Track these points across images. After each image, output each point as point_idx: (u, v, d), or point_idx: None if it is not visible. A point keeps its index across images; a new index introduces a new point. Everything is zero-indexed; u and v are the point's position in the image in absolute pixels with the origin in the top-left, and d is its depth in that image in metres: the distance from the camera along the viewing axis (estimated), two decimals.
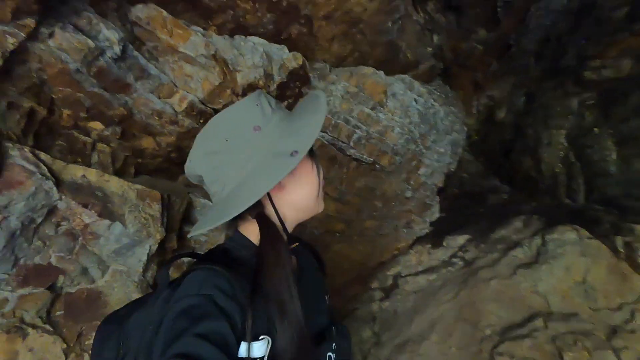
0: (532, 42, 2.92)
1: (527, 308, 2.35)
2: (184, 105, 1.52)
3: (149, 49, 1.39)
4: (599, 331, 1.98)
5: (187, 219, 1.98)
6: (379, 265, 3.30)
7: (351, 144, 2.16)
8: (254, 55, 1.67)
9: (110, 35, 1.16)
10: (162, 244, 1.58)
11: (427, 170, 2.83)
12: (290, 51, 1.79)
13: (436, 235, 3.37)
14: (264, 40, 1.83)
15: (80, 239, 1.28)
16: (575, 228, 2.36)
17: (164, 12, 1.39)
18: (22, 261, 1.12)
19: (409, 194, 2.84)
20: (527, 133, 3.69)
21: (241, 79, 1.67)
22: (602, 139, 2.65)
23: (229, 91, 1.64)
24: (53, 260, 1.21)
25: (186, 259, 1.48)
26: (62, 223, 1.20)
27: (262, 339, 0.60)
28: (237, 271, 0.63)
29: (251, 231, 0.72)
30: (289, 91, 1.99)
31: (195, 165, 0.69)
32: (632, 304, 1.96)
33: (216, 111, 1.70)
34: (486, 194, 4.08)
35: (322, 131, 2.10)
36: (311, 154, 0.72)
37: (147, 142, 1.59)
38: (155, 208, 1.48)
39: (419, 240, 3.37)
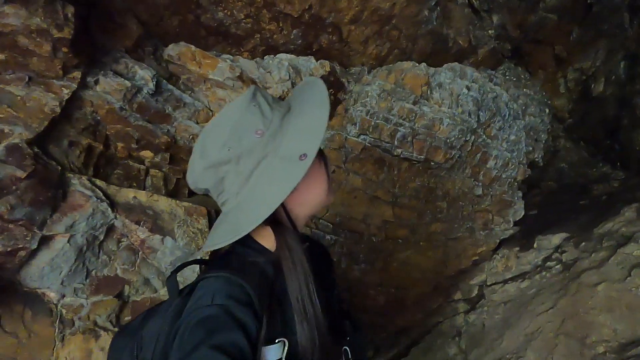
0: (610, 3, 2.42)
1: None
2: None
3: (184, 81, 1.58)
4: None
5: None
6: (458, 274, 2.99)
7: (396, 143, 2.06)
8: (280, 70, 1.75)
9: (144, 74, 1.36)
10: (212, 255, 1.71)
11: (498, 163, 2.50)
12: (324, 60, 1.83)
13: (525, 236, 2.92)
14: (292, 55, 1.90)
15: (140, 253, 1.47)
16: None
17: (192, 47, 1.56)
18: (93, 273, 1.34)
19: (479, 191, 2.54)
20: (637, 103, 3.02)
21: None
22: None
23: None
24: (119, 272, 1.41)
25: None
26: (122, 239, 1.39)
27: (278, 341, 0.59)
28: (251, 277, 0.63)
29: (263, 236, 0.71)
30: None
31: (198, 180, 0.66)
32: None
33: None
34: (591, 184, 3.42)
35: (362, 134, 2.05)
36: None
37: None
38: (203, 223, 1.62)
39: (504, 242, 2.97)
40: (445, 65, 2.32)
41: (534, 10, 2.94)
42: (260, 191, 0.63)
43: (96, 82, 1.27)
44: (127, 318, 1.46)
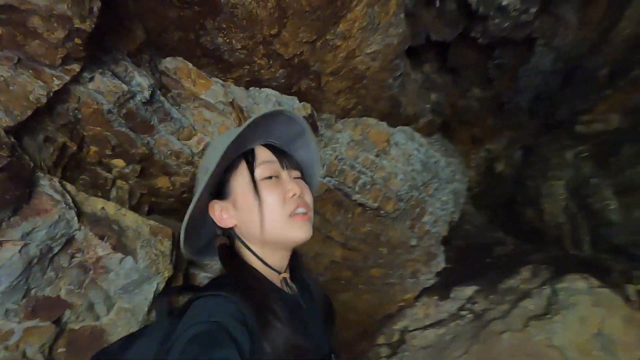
0: (525, 100, 3.12)
1: None
2: (201, 147, 1.62)
3: (173, 95, 1.53)
4: None
5: (195, 261, 1.99)
6: (385, 318, 3.17)
7: (357, 188, 2.23)
8: (267, 104, 1.80)
9: (141, 81, 1.29)
10: (168, 282, 1.57)
11: (431, 218, 2.85)
12: (306, 102, 1.95)
13: (443, 287, 3.28)
14: (277, 92, 1.98)
15: (91, 272, 1.29)
16: (585, 277, 2.32)
17: (190, 64, 1.55)
18: (33, 292, 1.13)
19: (414, 241, 2.83)
20: (527, 185, 3.77)
21: None
22: (602, 189, 2.71)
23: None
24: (62, 293, 1.21)
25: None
26: (76, 255, 1.22)
27: None
28: (247, 298, 0.64)
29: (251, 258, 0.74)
30: None
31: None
32: None
33: None
34: (492, 245, 4.05)
35: (328, 176, 2.18)
36: (252, 177, 0.71)
37: (162, 182, 1.66)
38: (166, 245, 1.51)
39: (426, 291, 3.28)
40: (398, 127, 2.64)
41: (463, 97, 3.58)
42: None
43: (91, 79, 1.16)
44: (61, 350, 1.23)
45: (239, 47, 1.78)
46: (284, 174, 0.73)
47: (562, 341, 2.22)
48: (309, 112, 1.98)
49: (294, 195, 0.70)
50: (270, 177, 0.72)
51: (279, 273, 0.75)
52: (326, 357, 0.76)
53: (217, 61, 1.81)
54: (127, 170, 1.44)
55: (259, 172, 0.71)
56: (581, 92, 2.66)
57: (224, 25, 1.65)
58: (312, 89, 2.27)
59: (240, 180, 0.72)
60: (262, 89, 1.89)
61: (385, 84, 2.55)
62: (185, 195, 1.83)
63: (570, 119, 2.90)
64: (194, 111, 1.59)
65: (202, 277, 2.02)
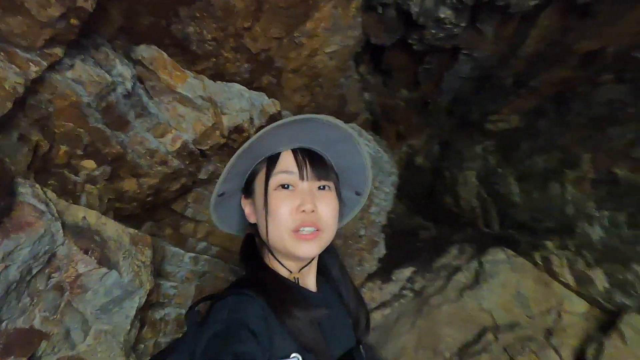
0: (445, 101, 3.58)
1: (477, 325, 2.64)
2: (177, 145, 1.49)
3: (147, 87, 1.37)
4: (539, 335, 2.33)
5: (159, 269, 1.82)
6: None
7: None
8: (240, 99, 1.74)
9: (123, 71, 1.13)
10: (148, 295, 1.42)
11: (376, 209, 3.08)
12: (275, 99, 1.92)
13: (384, 271, 3.59)
14: (243, 87, 1.92)
15: (67, 293, 1.10)
16: (503, 249, 2.81)
17: (165, 54, 1.41)
18: (4, 325, 0.92)
19: (362, 231, 3.03)
20: (445, 175, 4.33)
21: (228, 122, 1.72)
22: (506, 177, 3.30)
23: (218, 132, 1.67)
24: (36, 323, 1.02)
25: None
26: (53, 274, 1.03)
27: (293, 357, 0.61)
28: (267, 295, 0.66)
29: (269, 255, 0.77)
30: None
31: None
32: (557, 306, 2.38)
33: (202, 152, 1.69)
34: (417, 230, 4.54)
35: None
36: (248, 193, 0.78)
37: (129, 185, 1.48)
38: (147, 254, 1.37)
39: (370, 276, 3.54)
40: (349, 124, 2.79)
41: (392, 97, 3.92)
42: None
43: (72, 66, 0.98)
44: None
45: (209, 38, 1.68)
46: (303, 185, 0.72)
47: (489, 304, 2.65)
48: (278, 109, 1.97)
49: (303, 210, 0.69)
50: (285, 186, 0.71)
51: (290, 272, 0.76)
52: (349, 351, 0.78)
53: (183, 51, 1.67)
54: (96, 173, 1.25)
55: (274, 181, 0.71)
56: (490, 96, 3.18)
57: (198, 14, 1.53)
58: (272, 86, 2.25)
59: (259, 183, 0.74)
60: (231, 84, 1.81)
61: (338, 83, 2.66)
62: (150, 199, 1.66)
63: (481, 119, 3.45)
64: (168, 106, 1.45)
65: (168, 287, 1.86)
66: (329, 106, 2.81)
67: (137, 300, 1.30)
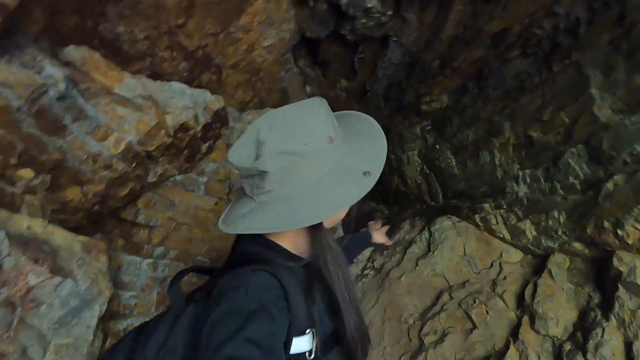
0: (381, 88, 3.79)
1: (433, 289, 2.86)
2: (121, 147, 1.46)
3: (81, 90, 1.32)
4: (485, 287, 2.60)
5: (114, 280, 1.75)
6: None
7: None
8: (183, 97, 1.73)
9: (54, 72, 1.08)
10: (109, 303, 1.37)
11: None
12: (218, 95, 1.92)
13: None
14: (184, 85, 1.91)
15: (19, 309, 1.05)
16: (448, 217, 3.08)
17: (97, 54, 1.36)
18: None
19: None
20: (390, 158, 4.59)
21: (172, 121, 1.70)
22: (443, 152, 3.59)
23: (163, 132, 1.65)
24: None
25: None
26: (1, 289, 0.98)
27: (308, 332, 0.61)
28: (283, 273, 0.64)
29: (287, 238, 0.74)
30: (211, 132, 2.07)
31: (265, 161, 0.64)
32: (497, 259, 2.67)
33: (148, 153, 1.66)
34: (371, 213, 4.75)
35: None
36: None
37: (73, 193, 1.42)
38: (102, 260, 1.32)
39: None
40: None
41: (333, 88, 4.05)
42: (326, 193, 0.66)
43: None
44: None
45: (142, 37, 1.64)
46: None
47: (441, 269, 2.89)
48: (222, 104, 1.98)
49: None
50: None
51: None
52: None
53: (116, 52, 1.62)
54: (35, 182, 1.19)
55: None
56: (421, 79, 3.44)
57: (127, 13, 1.50)
58: (213, 83, 2.24)
59: None
60: (170, 82, 1.79)
61: (278, 76, 2.71)
62: (97, 208, 1.60)
63: (416, 101, 3.70)
64: (106, 107, 1.41)
65: (127, 297, 1.81)
66: (272, 100, 2.86)
67: (98, 308, 1.26)
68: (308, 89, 4.04)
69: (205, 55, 2.00)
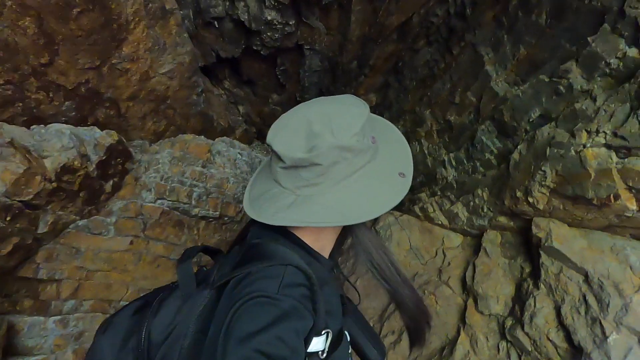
0: (312, 96, 3.80)
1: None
2: None
3: None
4: (433, 276, 2.57)
5: (14, 348, 1.60)
6: None
7: (193, 202, 2.24)
8: (61, 138, 1.63)
9: None
10: None
11: None
12: (110, 130, 1.82)
13: None
14: (69, 125, 1.80)
15: None
16: (391, 212, 3.06)
17: None
18: None
19: None
20: None
21: (51, 164, 1.60)
22: None
23: (38, 177, 1.54)
24: None
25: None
26: None
27: (324, 333, 0.60)
28: (310, 272, 0.62)
29: (309, 232, 0.71)
30: (112, 169, 1.97)
31: (321, 154, 0.62)
32: (440, 247, 2.66)
33: (26, 203, 1.54)
34: None
35: (160, 198, 2.12)
36: None
37: None
38: None
39: None
40: (217, 139, 2.79)
41: (265, 104, 4.03)
42: (375, 191, 0.66)
43: None
44: None
45: (1, 82, 1.55)
46: None
47: None
48: (116, 138, 1.88)
49: None
50: None
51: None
52: None
53: None
54: None
55: None
56: (346, 82, 3.47)
57: None
58: (113, 118, 2.15)
59: None
60: (49, 125, 1.69)
61: (190, 101, 2.65)
62: None
63: None
64: None
65: None
66: (192, 126, 2.78)
67: None
68: (241, 108, 4.00)
69: (90, 91, 1.92)
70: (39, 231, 1.68)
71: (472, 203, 2.35)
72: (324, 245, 0.73)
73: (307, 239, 0.71)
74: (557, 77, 1.73)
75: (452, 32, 2.46)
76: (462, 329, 2.17)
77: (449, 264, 2.52)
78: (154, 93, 2.28)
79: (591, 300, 1.61)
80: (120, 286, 2.04)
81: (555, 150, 1.66)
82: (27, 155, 1.49)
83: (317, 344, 0.59)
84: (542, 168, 1.72)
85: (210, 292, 0.63)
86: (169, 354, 0.60)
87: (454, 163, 2.57)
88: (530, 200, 1.81)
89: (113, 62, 1.90)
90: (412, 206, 2.95)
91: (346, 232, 0.75)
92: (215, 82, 3.47)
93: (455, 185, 2.55)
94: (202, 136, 2.56)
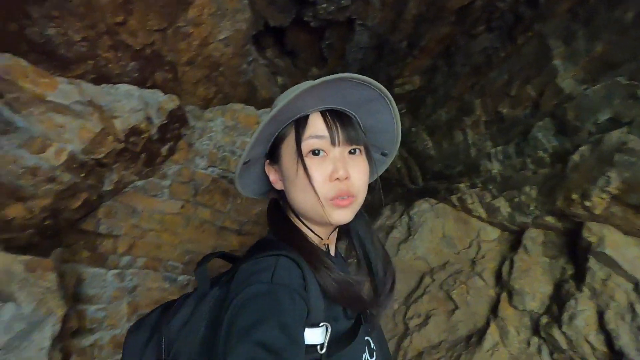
0: (353, 72, 3.72)
1: (416, 273, 2.86)
2: (63, 158, 1.38)
3: (8, 101, 1.24)
4: (465, 267, 2.60)
5: (78, 295, 1.70)
6: None
7: None
8: (130, 100, 1.65)
9: None
10: (64, 322, 1.32)
11: None
12: (172, 94, 1.84)
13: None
14: (134, 86, 1.82)
15: None
16: (426, 200, 3.06)
17: (23, 61, 1.27)
18: None
19: None
20: None
21: (121, 125, 1.63)
22: (419, 134, 3.56)
23: (110, 137, 1.57)
24: None
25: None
26: None
27: (321, 325, 0.60)
28: (307, 257, 0.63)
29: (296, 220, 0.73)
30: (169, 133, 2.00)
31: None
32: (475, 238, 2.67)
33: (97, 161, 1.59)
34: None
35: (211, 166, 2.15)
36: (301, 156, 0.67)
37: (15, 211, 1.35)
38: (50, 278, 1.27)
39: None
40: (261, 110, 2.78)
41: (304, 77, 3.97)
42: None
43: None
44: None
45: (79, 38, 1.55)
46: (334, 150, 0.68)
47: (422, 252, 2.89)
48: (177, 103, 1.90)
49: (337, 178, 0.65)
50: (316, 153, 0.67)
51: (321, 239, 0.74)
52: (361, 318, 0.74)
53: (50, 57, 1.52)
54: None
55: (305, 146, 0.66)
56: (392, 61, 3.38)
57: (56, 14, 1.40)
58: (169, 81, 2.15)
59: (288, 149, 0.69)
60: (118, 85, 1.71)
61: (241, 69, 2.63)
62: (48, 223, 1.53)
63: (389, 84, 3.64)
64: (41, 117, 1.33)
65: (93, 310, 1.76)
66: (238, 95, 2.77)
67: (50, 329, 1.21)
68: (280, 79, 3.95)
69: (154, 53, 1.91)
70: (104, 188, 1.74)
71: (517, 199, 2.33)
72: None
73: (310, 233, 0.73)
74: (638, 80, 1.66)
75: (518, 20, 2.35)
76: (492, 320, 2.21)
77: (484, 256, 2.54)
78: (209, 59, 2.27)
79: (639, 309, 1.62)
80: (170, 247, 2.12)
81: (626, 157, 1.62)
82: (102, 115, 1.52)
83: (313, 336, 0.58)
84: (607, 173, 1.68)
85: (217, 290, 0.65)
86: (183, 349, 0.62)
87: (500, 157, 2.53)
88: (587, 204, 1.79)
89: (178, 25, 1.88)
90: (449, 195, 2.94)
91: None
92: (259, 50, 3.41)
93: (498, 179, 2.52)
94: (252, 107, 2.56)
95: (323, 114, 0.68)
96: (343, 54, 3.43)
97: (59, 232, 1.70)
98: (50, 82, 1.34)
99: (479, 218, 2.69)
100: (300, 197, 0.68)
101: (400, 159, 3.96)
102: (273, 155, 0.73)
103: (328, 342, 0.59)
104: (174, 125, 1.99)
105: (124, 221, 1.91)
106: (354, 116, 0.72)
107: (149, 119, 1.76)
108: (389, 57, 3.32)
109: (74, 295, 1.68)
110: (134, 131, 1.66)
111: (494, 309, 2.25)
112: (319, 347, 0.58)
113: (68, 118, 1.41)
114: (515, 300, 2.15)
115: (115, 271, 1.84)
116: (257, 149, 0.72)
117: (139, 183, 1.93)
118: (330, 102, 0.68)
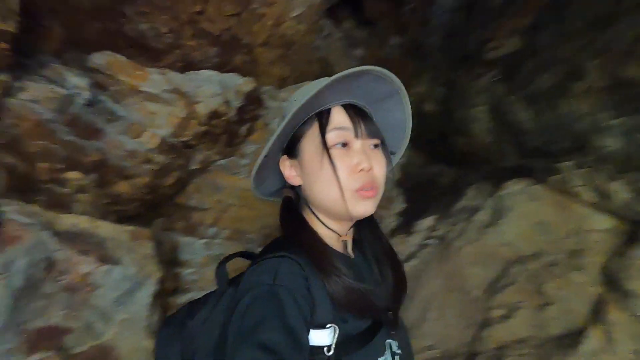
0: (438, 39, 3.39)
1: (502, 259, 2.61)
2: (156, 142, 1.56)
3: (111, 92, 1.43)
4: (563, 259, 2.27)
5: (175, 260, 1.95)
6: None
7: None
8: (211, 85, 1.76)
9: (78, 81, 1.19)
10: (161, 283, 1.54)
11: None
12: (249, 77, 1.93)
13: (407, 224, 3.60)
14: (215, 71, 1.94)
15: (80, 292, 1.23)
16: (518, 180, 2.72)
17: (120, 57, 1.45)
18: (26, 325, 1.06)
19: None
20: (454, 117, 4.17)
21: (203, 109, 1.75)
22: (515, 103, 3.12)
23: (194, 121, 1.71)
24: (57, 320, 1.15)
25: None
26: (61, 278, 1.15)
27: (329, 327, 0.59)
28: (309, 261, 0.63)
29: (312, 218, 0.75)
30: (247, 114, 2.10)
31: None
32: (579, 227, 2.30)
33: (184, 143, 1.75)
34: (434, 178, 4.46)
35: None
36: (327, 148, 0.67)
37: (122, 187, 1.58)
38: (149, 246, 1.47)
39: (393, 232, 3.57)
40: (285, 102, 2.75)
41: (383, 47, 3.76)
42: None
43: (22, 88, 1.05)
44: None
45: (165, 30, 1.69)
46: (357, 143, 0.69)
47: (510, 237, 2.61)
48: (254, 85, 1.97)
49: (362, 170, 0.66)
50: (341, 145, 0.68)
51: (339, 235, 0.75)
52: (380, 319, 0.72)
53: (144, 50, 1.70)
54: (84, 182, 1.35)
55: (330, 138, 0.67)
56: (482, 22, 2.97)
57: (146, 9, 1.55)
58: (247, 64, 2.24)
59: (310, 142, 0.70)
60: (200, 71, 1.84)
61: (314, 45, 2.60)
62: (148, 197, 1.76)
63: (479, 50, 3.24)
64: (137, 106, 1.51)
65: (187, 273, 1.99)
66: (313, 71, 2.76)
67: (149, 289, 1.42)
68: (357, 52, 3.82)
69: (232, 37, 2.00)
70: (191, 167, 1.93)
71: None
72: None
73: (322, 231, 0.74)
74: None
75: None
76: (594, 323, 1.92)
77: (588, 248, 2.18)
78: (283, 38, 2.28)
79: None
80: (250, 220, 2.29)
81: None
82: (186, 101, 1.65)
83: (320, 337, 0.57)
84: None
85: (234, 289, 0.66)
86: (201, 346, 0.65)
87: (620, 131, 2.08)
88: None
89: (253, 7, 1.92)
90: (547, 175, 2.56)
91: None
92: (335, 23, 3.33)
93: (619, 158, 2.09)
94: None
95: (345, 107, 0.70)
96: (425, 19, 3.14)
97: (158, 205, 1.96)
98: (142, 74, 1.50)
99: (586, 204, 2.29)
100: (324, 190, 0.68)
101: (490, 133, 3.56)
102: (291, 150, 0.73)
103: (336, 344, 0.58)
104: (251, 107, 2.09)
105: (210, 196, 2.11)
106: (370, 112, 0.74)
107: (227, 102, 1.87)
108: (479, 17, 2.93)
109: (171, 260, 1.94)
110: (215, 114, 1.79)
111: (597, 311, 1.94)
112: (325, 348, 0.58)
113: (159, 106, 1.57)
114: (629, 304, 1.82)
115: (204, 240, 2.06)
116: (274, 145, 0.72)
117: (222, 162, 2.10)
118: (351, 97, 0.71)
